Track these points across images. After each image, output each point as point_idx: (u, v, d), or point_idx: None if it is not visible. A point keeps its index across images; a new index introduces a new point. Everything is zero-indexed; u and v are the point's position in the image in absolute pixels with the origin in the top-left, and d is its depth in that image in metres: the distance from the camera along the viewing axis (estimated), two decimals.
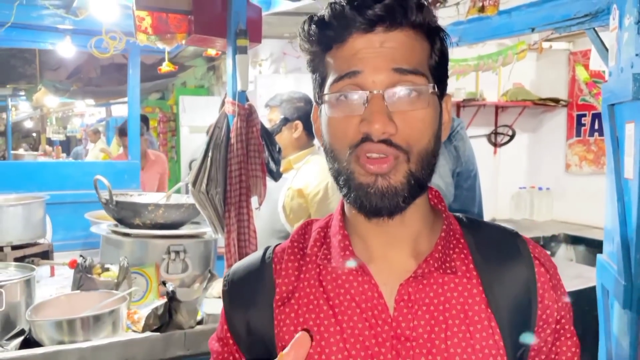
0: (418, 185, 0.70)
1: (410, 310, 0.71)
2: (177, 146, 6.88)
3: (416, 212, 0.73)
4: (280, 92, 2.21)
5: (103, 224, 2.21)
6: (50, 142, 12.48)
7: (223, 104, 1.72)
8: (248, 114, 1.67)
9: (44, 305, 1.70)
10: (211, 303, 2.01)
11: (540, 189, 4.49)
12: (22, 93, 8.67)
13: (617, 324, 1.77)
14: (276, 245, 0.82)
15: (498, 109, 4.49)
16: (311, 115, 0.80)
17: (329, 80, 0.71)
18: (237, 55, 1.67)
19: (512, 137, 4.47)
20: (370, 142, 0.67)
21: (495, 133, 4.52)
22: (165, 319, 1.65)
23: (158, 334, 1.65)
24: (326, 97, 0.70)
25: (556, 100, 4.31)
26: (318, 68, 0.74)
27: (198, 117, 5.76)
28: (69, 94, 7.06)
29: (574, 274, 3.04)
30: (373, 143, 0.67)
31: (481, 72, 3.58)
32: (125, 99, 8.48)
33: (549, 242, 4.04)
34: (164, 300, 1.74)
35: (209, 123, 5.63)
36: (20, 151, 11.23)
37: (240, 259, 1.72)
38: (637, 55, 1.54)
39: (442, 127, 0.74)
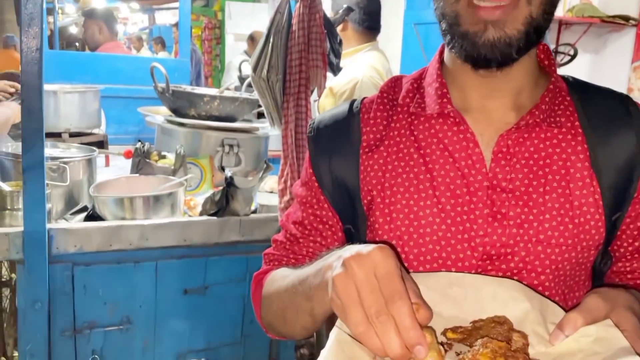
0: (537, 32, 0.65)
1: (508, 163, 0.69)
2: (221, 54, 6.81)
3: (524, 64, 0.69)
4: None
5: (158, 115, 2.23)
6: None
7: None
8: (311, 0, 1.60)
9: (105, 184, 1.75)
10: (264, 196, 2.04)
11: None
12: None
13: None
14: (364, 98, 0.80)
15: (561, 25, 4.22)
16: None
17: None
18: None
19: (573, 57, 4.22)
20: None
21: (556, 52, 4.28)
22: (222, 204, 1.68)
23: (215, 218, 1.69)
24: None
25: (626, 19, 4.02)
26: None
27: (244, 25, 5.64)
28: None
29: None
30: None
31: None
32: (170, 5, 8.36)
33: None
34: (219, 190, 1.77)
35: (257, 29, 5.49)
36: None
37: (297, 152, 1.72)
38: None
39: None
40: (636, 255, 0.75)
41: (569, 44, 4.26)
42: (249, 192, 1.71)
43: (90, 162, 1.81)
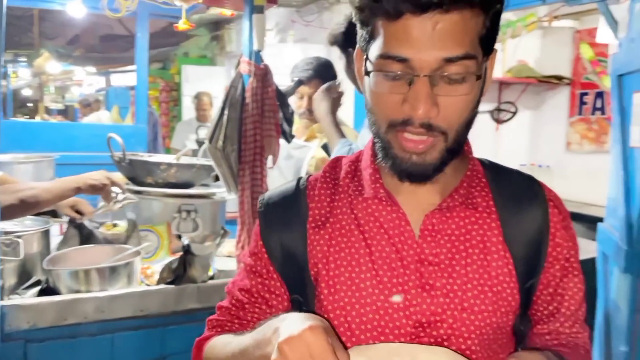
0: (451, 155, 0.74)
1: (433, 238, 0.76)
2: (178, 116, 6.88)
3: None
4: (286, 61, 2.27)
5: None
6: (48, 111, 12.41)
7: (238, 63, 1.74)
8: (263, 74, 1.69)
9: (60, 257, 1.74)
10: (222, 260, 2.06)
11: (540, 166, 4.54)
12: (24, 59, 8.59)
13: (615, 288, 1.83)
14: (309, 176, 0.87)
15: (502, 85, 4.51)
16: (354, 57, 0.81)
17: (375, 47, 0.70)
18: (253, 15, 1.69)
19: (514, 113, 4.50)
20: (411, 126, 0.69)
21: (498, 109, 4.55)
22: (179, 272, 1.69)
23: (172, 286, 1.69)
24: (371, 69, 0.71)
25: (559, 78, 4.33)
26: (367, 24, 0.72)
27: (201, 87, 5.76)
28: (72, 59, 7.00)
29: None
30: (414, 127, 0.69)
31: None
32: (126, 68, 8.43)
33: None
34: (176, 256, 1.78)
35: (213, 92, 5.62)
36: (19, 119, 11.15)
37: (253, 217, 1.77)
38: None
39: (484, 88, 0.75)
40: (552, 318, 0.83)
41: (510, 102, 4.54)
42: (206, 258, 1.73)
43: (45, 234, 1.80)
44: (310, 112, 2.12)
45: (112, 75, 9.54)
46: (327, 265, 0.79)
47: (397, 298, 0.75)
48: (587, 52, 3.94)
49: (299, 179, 0.88)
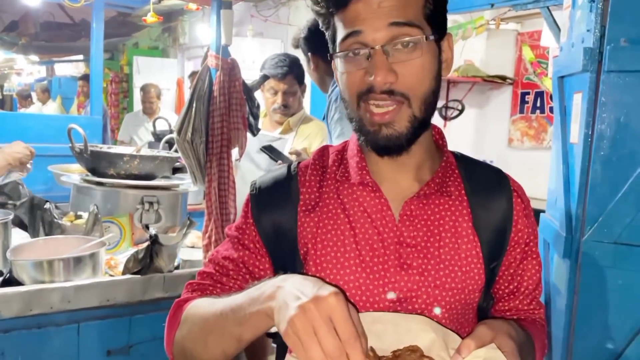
0: (421, 124, 0.83)
1: (411, 223, 0.85)
2: (129, 107, 6.73)
3: (421, 146, 0.87)
4: (245, 55, 2.35)
5: (73, 175, 2.22)
6: None
7: (206, 57, 1.78)
8: (231, 68, 1.74)
9: (22, 247, 1.72)
10: (186, 251, 2.09)
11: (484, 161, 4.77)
12: None
13: (555, 273, 1.99)
14: (299, 163, 0.94)
15: (450, 83, 4.70)
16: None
17: (338, 38, 0.83)
18: (222, 10, 1.73)
19: (461, 111, 4.70)
20: (374, 93, 0.80)
21: (446, 107, 4.74)
22: (145, 262, 1.71)
23: (138, 276, 1.71)
24: (337, 54, 0.83)
25: (503, 78, 4.56)
26: (329, 27, 0.85)
27: (152, 79, 5.66)
28: (17, 47, 6.70)
29: None
30: (376, 94, 0.79)
31: None
32: (72, 57, 8.15)
33: None
34: (139, 248, 1.80)
35: (165, 84, 5.53)
36: None
37: (220, 209, 1.81)
38: (587, 31, 1.71)
39: (442, 65, 0.86)
40: (512, 296, 0.94)
41: (457, 100, 4.74)
42: (173, 248, 1.76)
43: (5, 225, 1.77)
44: (285, 107, 2.21)
45: (55, 65, 9.20)
46: (315, 246, 0.86)
47: (391, 295, 0.83)
48: (528, 54, 4.17)
49: (290, 165, 0.95)
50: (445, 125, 4.81)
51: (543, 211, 2.30)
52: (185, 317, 0.84)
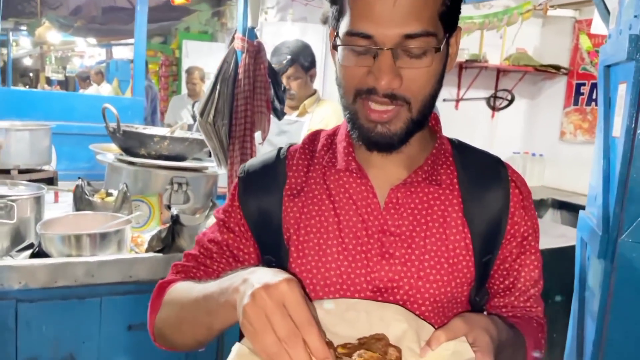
0: (416, 126, 0.79)
1: (397, 211, 0.81)
2: (178, 90, 6.89)
3: (414, 137, 0.82)
4: (286, 40, 2.35)
5: (109, 154, 2.29)
6: (48, 82, 12.39)
7: (232, 40, 1.77)
8: (256, 51, 1.73)
9: (53, 222, 1.79)
10: None
11: (533, 155, 4.58)
12: (24, 27, 8.54)
13: (592, 274, 1.89)
14: (289, 146, 0.92)
15: (499, 72, 4.53)
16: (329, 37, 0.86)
17: (343, 24, 0.75)
18: None
19: (511, 101, 4.53)
20: (375, 95, 0.74)
21: (495, 97, 4.57)
22: (167, 241, 1.74)
23: (160, 255, 1.74)
24: (339, 45, 0.76)
25: (557, 68, 4.35)
26: (335, 1, 0.79)
27: (201, 63, 5.76)
28: (73, 30, 6.97)
29: (558, 233, 3.17)
30: (378, 96, 0.74)
31: (486, 30, 3.60)
32: (128, 41, 8.41)
33: (537, 206, 4.16)
34: (166, 227, 1.83)
35: (212, 68, 5.66)
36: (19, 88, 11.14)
37: None
38: (635, 17, 1.59)
39: (448, 63, 0.80)
40: (507, 292, 0.88)
41: (506, 90, 4.57)
42: (194, 229, 1.78)
43: (38, 200, 1.84)
44: (288, 91, 2.21)
45: (114, 48, 9.52)
46: (298, 231, 0.84)
47: (372, 284, 0.80)
48: (585, 42, 3.95)
49: (280, 148, 0.93)
50: (493, 116, 4.65)
51: (584, 208, 2.18)
52: (165, 301, 0.85)
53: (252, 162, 0.93)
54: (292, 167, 0.88)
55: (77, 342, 1.63)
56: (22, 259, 1.67)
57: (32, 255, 1.69)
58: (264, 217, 0.87)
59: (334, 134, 0.91)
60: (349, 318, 0.71)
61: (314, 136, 0.93)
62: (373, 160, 0.84)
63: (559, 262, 2.78)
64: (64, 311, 1.61)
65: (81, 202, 1.92)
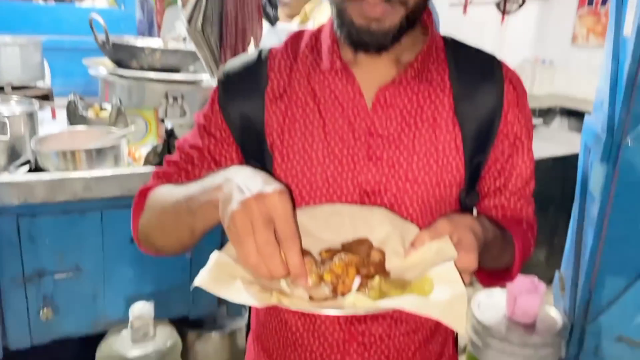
0: (410, 23, 0.73)
1: (385, 112, 0.78)
2: (174, 2, 6.61)
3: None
4: None
5: (101, 67, 2.22)
6: None
7: None
8: None
9: (47, 138, 1.77)
10: None
11: (543, 62, 4.43)
12: None
13: (594, 179, 1.87)
14: (272, 47, 0.87)
15: None
16: None
17: None
18: None
19: (522, 4, 4.31)
20: None
21: (505, 0, 4.35)
22: (164, 155, 1.72)
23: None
24: None
25: None
26: None
27: None
28: None
29: (565, 139, 3.13)
30: None
31: None
32: None
33: (544, 114, 4.08)
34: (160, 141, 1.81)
35: None
36: None
37: None
38: None
39: None
40: (498, 193, 0.86)
41: None
42: None
43: (31, 116, 1.81)
44: None
45: None
46: (282, 135, 0.81)
47: (358, 188, 0.78)
48: None
49: (261, 50, 0.88)
50: (503, 20, 4.45)
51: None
52: (147, 204, 0.85)
53: (232, 64, 0.88)
54: (274, 69, 0.84)
55: (82, 254, 1.67)
56: (20, 175, 1.67)
57: (29, 172, 1.69)
58: (246, 122, 0.84)
59: (318, 32, 0.85)
60: (334, 223, 0.71)
61: (298, 36, 0.87)
62: (360, 59, 0.79)
63: (564, 170, 2.76)
64: (66, 225, 1.64)
65: (75, 117, 1.90)
